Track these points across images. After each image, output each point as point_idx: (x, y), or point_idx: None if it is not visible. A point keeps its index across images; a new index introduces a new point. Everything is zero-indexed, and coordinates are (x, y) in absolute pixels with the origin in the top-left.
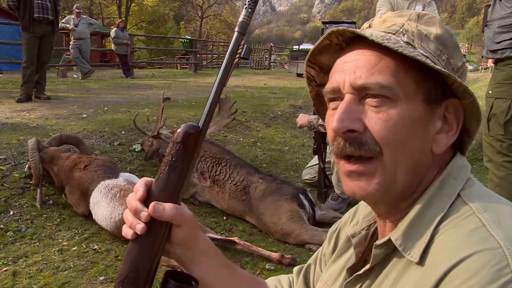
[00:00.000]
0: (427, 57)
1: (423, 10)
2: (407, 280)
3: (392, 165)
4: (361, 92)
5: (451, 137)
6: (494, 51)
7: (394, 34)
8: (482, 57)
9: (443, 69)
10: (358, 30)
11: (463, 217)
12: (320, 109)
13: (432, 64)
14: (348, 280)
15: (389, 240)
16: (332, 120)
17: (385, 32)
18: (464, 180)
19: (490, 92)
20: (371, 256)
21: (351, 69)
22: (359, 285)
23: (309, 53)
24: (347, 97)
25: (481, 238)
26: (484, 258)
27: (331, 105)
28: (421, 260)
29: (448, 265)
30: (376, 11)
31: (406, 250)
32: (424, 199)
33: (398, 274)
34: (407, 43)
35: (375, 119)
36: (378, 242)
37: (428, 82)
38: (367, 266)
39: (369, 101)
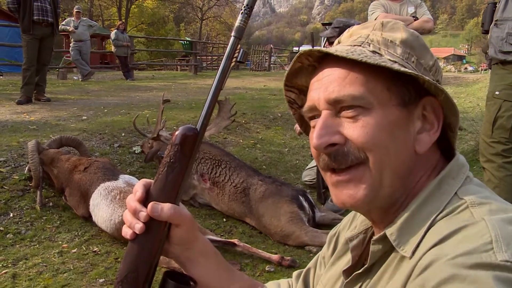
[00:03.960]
0: (395, 62)
1: (414, 11)
2: (399, 275)
3: (377, 168)
4: (336, 106)
5: (433, 135)
6: (506, 53)
7: (360, 45)
8: (486, 54)
9: (410, 71)
10: (323, 49)
11: (457, 211)
12: (307, 129)
13: (397, 67)
14: (347, 280)
15: (384, 234)
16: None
17: (351, 45)
18: (462, 179)
19: (497, 93)
20: (369, 254)
21: (324, 86)
22: (359, 285)
23: (284, 78)
24: (324, 113)
25: (466, 219)
26: (468, 231)
27: (312, 123)
28: (413, 255)
29: (432, 242)
30: (369, 14)
31: (400, 245)
32: (421, 197)
33: (393, 270)
34: (373, 52)
35: (353, 128)
36: (374, 237)
37: (400, 86)
38: (366, 265)
39: (344, 113)
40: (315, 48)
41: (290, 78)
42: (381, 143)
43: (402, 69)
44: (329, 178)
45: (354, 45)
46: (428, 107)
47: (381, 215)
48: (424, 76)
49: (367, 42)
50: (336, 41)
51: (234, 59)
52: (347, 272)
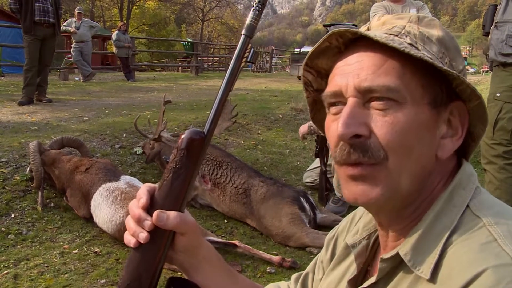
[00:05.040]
0: (431, 59)
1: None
2: None
3: (397, 171)
4: (366, 95)
5: (456, 142)
6: (506, 55)
7: (397, 35)
8: (487, 56)
9: (453, 72)
10: (361, 31)
11: (473, 230)
12: (316, 116)
13: (440, 65)
14: None
15: (397, 254)
16: (335, 125)
17: (387, 34)
18: (473, 189)
19: (498, 94)
20: (377, 269)
21: (354, 71)
22: None
23: (307, 56)
24: (351, 100)
25: (493, 253)
26: (498, 275)
27: (332, 109)
28: (432, 277)
29: (462, 282)
30: (370, 16)
31: (416, 266)
32: (433, 211)
33: None
34: (411, 44)
35: (382, 122)
36: (385, 256)
37: (434, 85)
38: (372, 280)
39: (374, 104)
40: (351, 29)
41: (313, 58)
42: (406, 144)
43: (445, 67)
44: (344, 171)
45: (390, 34)
46: (455, 112)
47: (391, 218)
48: (464, 79)
49: (404, 34)
50: (365, 27)
51: (244, 59)
52: (352, 283)
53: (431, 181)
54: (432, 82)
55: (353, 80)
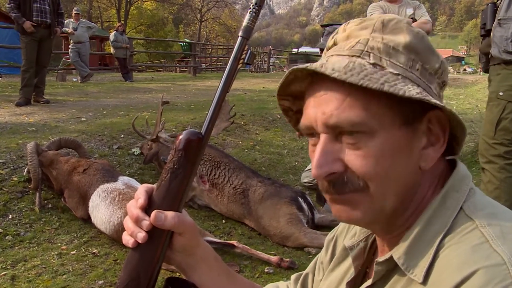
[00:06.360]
0: (398, 74)
1: (413, 13)
2: None
3: (379, 196)
4: (335, 130)
5: (439, 149)
6: (511, 53)
7: (359, 56)
8: (481, 56)
9: (416, 96)
10: (318, 68)
11: (465, 232)
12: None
13: (402, 92)
14: None
15: (391, 257)
16: (313, 158)
17: (349, 55)
18: (466, 191)
19: (501, 93)
20: (372, 272)
21: (321, 107)
22: None
23: (277, 89)
24: (322, 137)
25: (484, 254)
26: (488, 275)
27: (310, 141)
28: (425, 280)
29: (453, 283)
30: (367, 16)
31: (409, 269)
32: (426, 214)
33: None
34: (374, 64)
35: (354, 156)
36: (380, 259)
37: (405, 104)
38: (369, 282)
39: (345, 138)
40: (308, 67)
41: (284, 89)
42: (384, 171)
43: (407, 93)
44: (326, 195)
45: (353, 56)
46: (433, 120)
47: (383, 229)
48: (430, 99)
49: (367, 52)
50: (331, 41)
51: (241, 61)
52: (350, 285)
53: (420, 191)
54: (401, 102)
55: (321, 117)
